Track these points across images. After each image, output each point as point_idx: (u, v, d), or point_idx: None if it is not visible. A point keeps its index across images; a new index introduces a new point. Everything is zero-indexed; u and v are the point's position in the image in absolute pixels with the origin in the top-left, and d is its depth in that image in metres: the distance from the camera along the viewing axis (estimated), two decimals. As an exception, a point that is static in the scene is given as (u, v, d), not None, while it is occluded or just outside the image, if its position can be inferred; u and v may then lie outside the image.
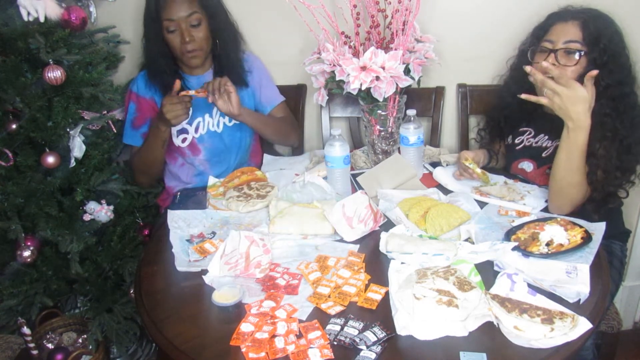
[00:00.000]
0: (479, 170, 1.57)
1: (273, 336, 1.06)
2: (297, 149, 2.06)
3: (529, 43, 1.60)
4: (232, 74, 1.73)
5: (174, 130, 1.77)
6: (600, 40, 1.43)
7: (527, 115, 1.66)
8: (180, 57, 1.72)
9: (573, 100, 1.30)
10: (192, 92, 1.62)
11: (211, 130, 1.81)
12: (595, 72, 1.33)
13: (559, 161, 1.39)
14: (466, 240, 1.33)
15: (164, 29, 1.66)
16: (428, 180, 1.67)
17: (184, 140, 1.79)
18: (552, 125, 1.51)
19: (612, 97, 1.44)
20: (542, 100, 1.35)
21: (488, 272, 1.21)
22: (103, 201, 1.71)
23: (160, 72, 1.72)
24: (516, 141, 1.68)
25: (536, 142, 1.63)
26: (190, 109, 1.64)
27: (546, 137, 1.61)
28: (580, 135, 1.33)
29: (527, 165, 1.63)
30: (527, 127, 1.67)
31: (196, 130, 1.79)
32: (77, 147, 1.62)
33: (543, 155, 1.59)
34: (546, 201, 1.48)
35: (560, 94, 1.31)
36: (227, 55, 1.77)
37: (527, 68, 1.36)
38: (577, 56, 1.44)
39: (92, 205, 1.70)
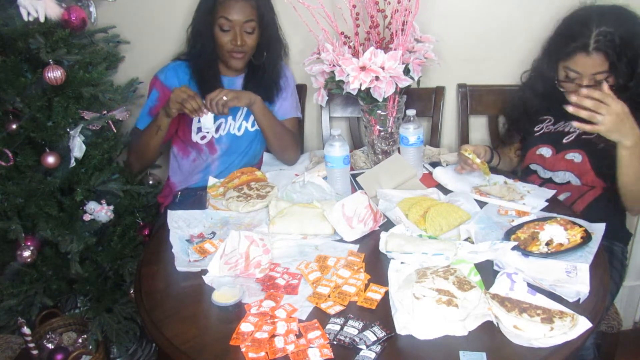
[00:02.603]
0: (478, 161, 1.57)
1: (273, 336, 1.06)
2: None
3: (546, 66, 1.56)
4: (264, 87, 1.76)
5: (194, 127, 1.77)
6: (625, 54, 1.38)
7: (547, 105, 1.63)
8: (223, 55, 1.72)
9: (623, 116, 1.28)
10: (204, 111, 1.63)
11: (231, 133, 1.81)
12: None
13: (629, 178, 1.38)
14: (466, 240, 1.33)
15: (217, 26, 1.66)
16: (428, 180, 1.67)
17: (202, 137, 1.79)
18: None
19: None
20: (598, 128, 1.30)
21: (488, 271, 1.21)
22: (103, 201, 1.71)
23: (201, 66, 1.73)
24: (535, 129, 1.67)
25: (555, 129, 1.63)
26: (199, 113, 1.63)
27: (565, 122, 1.61)
28: (638, 147, 1.32)
29: (546, 151, 1.63)
30: (547, 115, 1.66)
31: (216, 130, 1.80)
32: (77, 147, 1.62)
33: (564, 141, 1.59)
34: (546, 201, 1.49)
35: (615, 112, 1.27)
36: (269, 69, 1.78)
37: (570, 108, 1.31)
38: (605, 81, 1.41)
39: (92, 205, 1.70)
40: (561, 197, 1.61)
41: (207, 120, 1.66)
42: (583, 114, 1.29)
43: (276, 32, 1.78)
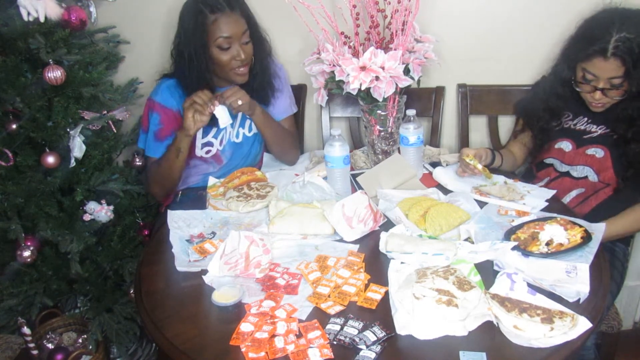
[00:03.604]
0: (480, 166, 1.57)
1: (273, 336, 1.06)
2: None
3: (565, 68, 1.56)
4: (257, 90, 1.72)
5: (199, 142, 1.73)
6: None
7: (565, 102, 1.63)
8: (227, 74, 1.66)
9: None
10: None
11: (231, 141, 1.79)
12: None
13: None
14: (466, 240, 1.33)
15: (215, 47, 1.60)
16: (428, 180, 1.67)
17: (207, 152, 1.77)
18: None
19: None
20: None
21: (488, 271, 1.21)
22: (103, 201, 1.71)
23: (196, 85, 1.64)
24: (553, 123, 1.67)
25: (574, 124, 1.64)
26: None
27: (585, 119, 1.62)
28: None
29: (566, 145, 1.64)
30: (565, 110, 1.66)
31: (220, 142, 1.78)
32: (77, 147, 1.62)
33: (585, 137, 1.60)
34: (546, 201, 1.49)
35: None
36: (261, 71, 1.74)
37: None
38: (620, 85, 1.45)
39: (92, 205, 1.70)
40: (574, 192, 1.61)
41: (222, 114, 1.58)
42: None
43: (259, 31, 1.73)
